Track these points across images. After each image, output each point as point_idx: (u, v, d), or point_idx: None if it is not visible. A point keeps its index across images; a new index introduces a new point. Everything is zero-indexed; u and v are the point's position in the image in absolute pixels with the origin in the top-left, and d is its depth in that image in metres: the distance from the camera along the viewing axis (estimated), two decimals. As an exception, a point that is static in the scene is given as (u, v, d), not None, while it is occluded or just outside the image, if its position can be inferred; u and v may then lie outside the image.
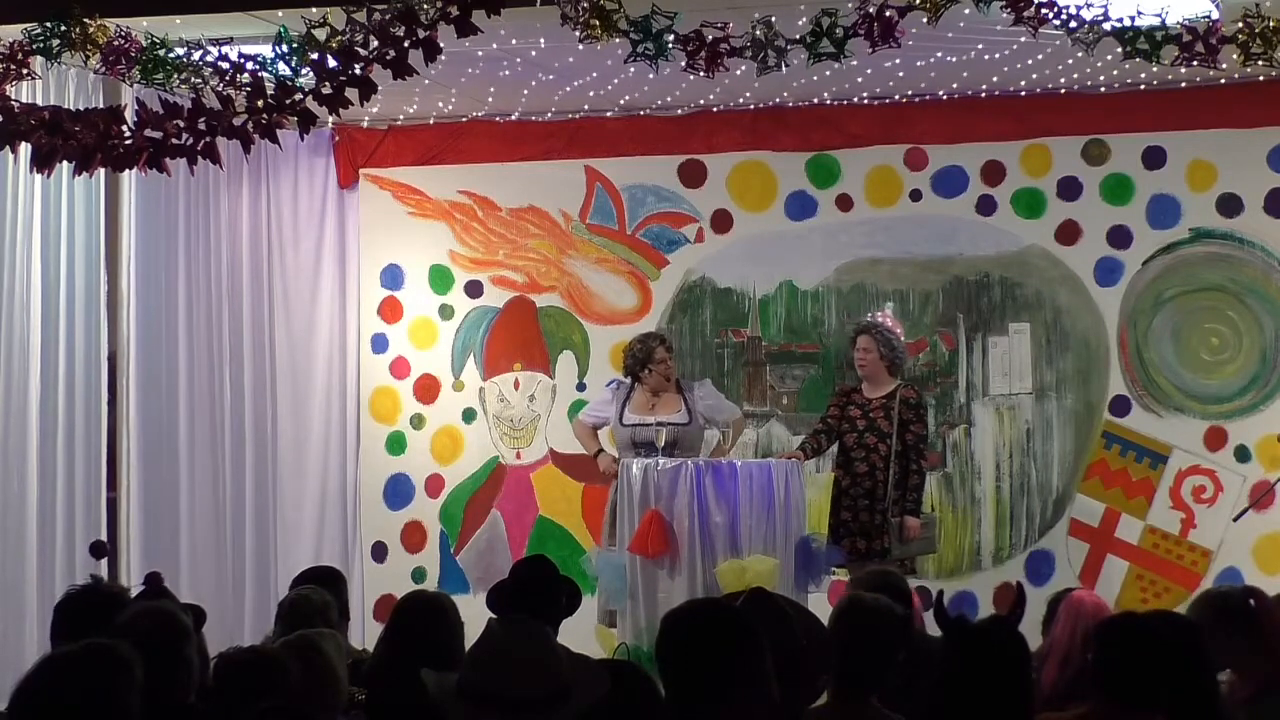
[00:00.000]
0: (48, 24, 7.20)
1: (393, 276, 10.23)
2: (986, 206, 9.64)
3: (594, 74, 8.88)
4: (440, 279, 10.19)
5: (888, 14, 6.71)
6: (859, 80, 9.06)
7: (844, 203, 9.79)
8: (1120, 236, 9.49)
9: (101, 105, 7.87)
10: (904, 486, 8.48)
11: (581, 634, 5.76)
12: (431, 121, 10.07)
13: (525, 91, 9.32)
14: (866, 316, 9.18)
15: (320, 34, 6.68)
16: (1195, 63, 6.85)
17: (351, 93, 6.69)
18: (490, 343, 10.15)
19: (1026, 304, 9.61)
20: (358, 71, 6.61)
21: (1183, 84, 9.11)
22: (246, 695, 4.26)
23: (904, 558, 8.37)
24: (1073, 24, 6.69)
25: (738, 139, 9.85)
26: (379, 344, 10.23)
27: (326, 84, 6.67)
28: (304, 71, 6.80)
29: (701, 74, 7.00)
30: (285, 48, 6.85)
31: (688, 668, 3.62)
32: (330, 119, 9.51)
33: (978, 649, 3.85)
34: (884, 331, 8.71)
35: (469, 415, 10.14)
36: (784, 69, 7.06)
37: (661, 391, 8.62)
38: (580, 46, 7.00)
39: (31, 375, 8.27)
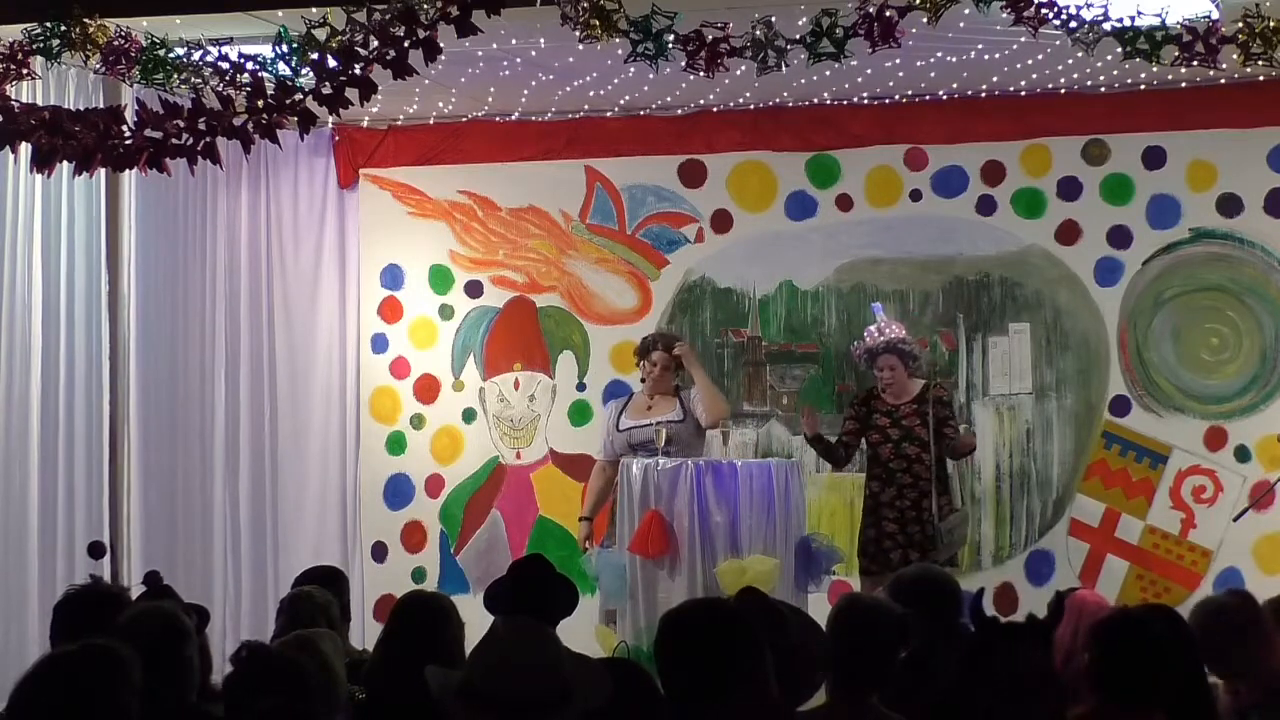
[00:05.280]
0: (48, 24, 7.20)
1: (393, 276, 10.22)
2: (986, 206, 9.64)
3: (594, 74, 8.88)
4: (440, 279, 10.18)
5: (888, 14, 6.71)
6: (859, 80, 9.05)
7: (844, 203, 9.78)
8: (1120, 236, 9.49)
9: (101, 105, 7.86)
10: (948, 491, 8.53)
11: (581, 634, 5.75)
12: (431, 121, 10.06)
13: (525, 91, 9.32)
14: (872, 329, 8.71)
15: (320, 34, 6.68)
16: (1195, 63, 6.85)
17: (351, 93, 6.69)
18: (490, 343, 10.15)
19: (1026, 304, 9.60)
20: (358, 71, 6.61)
21: (1183, 84, 9.10)
22: (260, 691, 4.24)
23: (948, 555, 8.34)
24: (1073, 24, 6.69)
25: (738, 139, 9.84)
26: (379, 344, 10.22)
27: (326, 84, 6.67)
28: (304, 71, 6.79)
29: (701, 74, 7.00)
30: (285, 48, 6.85)
31: (687, 667, 3.62)
32: (330, 119, 9.51)
33: (1013, 648, 3.84)
34: (901, 347, 8.58)
35: (469, 415, 10.13)
36: (784, 69, 7.05)
37: (657, 394, 8.58)
38: (580, 46, 6.99)
39: (33, 376, 8.26)
